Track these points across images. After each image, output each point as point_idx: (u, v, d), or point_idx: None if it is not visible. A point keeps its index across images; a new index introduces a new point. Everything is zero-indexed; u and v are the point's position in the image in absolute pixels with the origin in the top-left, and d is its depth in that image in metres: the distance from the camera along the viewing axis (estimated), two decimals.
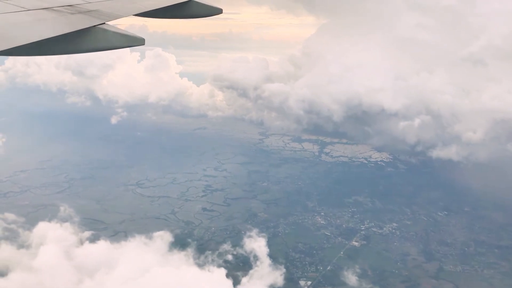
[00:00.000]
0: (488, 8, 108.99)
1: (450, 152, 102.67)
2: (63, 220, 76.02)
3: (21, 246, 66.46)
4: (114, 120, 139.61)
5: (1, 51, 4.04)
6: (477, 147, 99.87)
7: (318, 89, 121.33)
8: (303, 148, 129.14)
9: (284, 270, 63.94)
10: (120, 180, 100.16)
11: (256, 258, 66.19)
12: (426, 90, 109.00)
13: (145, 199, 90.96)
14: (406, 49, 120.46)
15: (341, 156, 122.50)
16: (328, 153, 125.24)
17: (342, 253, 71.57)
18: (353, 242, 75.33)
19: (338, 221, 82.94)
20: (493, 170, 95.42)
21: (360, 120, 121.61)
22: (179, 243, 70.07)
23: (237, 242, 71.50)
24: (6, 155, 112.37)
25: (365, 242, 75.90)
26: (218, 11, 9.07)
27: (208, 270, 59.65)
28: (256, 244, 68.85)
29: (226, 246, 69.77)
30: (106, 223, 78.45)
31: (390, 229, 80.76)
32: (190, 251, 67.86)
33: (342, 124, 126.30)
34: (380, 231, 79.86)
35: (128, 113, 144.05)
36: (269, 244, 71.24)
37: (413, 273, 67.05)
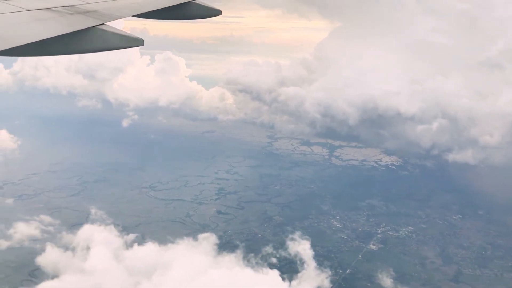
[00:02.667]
0: (504, 12, 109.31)
1: (466, 156, 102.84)
2: (95, 222, 76.70)
3: (66, 248, 66.83)
4: (125, 123, 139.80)
5: (1, 51, 4.03)
6: (494, 151, 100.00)
7: (333, 92, 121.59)
8: (313, 151, 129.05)
9: (330, 272, 64.03)
10: (133, 183, 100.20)
11: (302, 261, 66.36)
12: (442, 94, 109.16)
13: (160, 202, 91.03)
14: (421, 53, 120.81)
15: (351, 159, 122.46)
16: (338, 156, 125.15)
17: (360, 256, 71.62)
18: (371, 246, 75.36)
19: (353, 224, 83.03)
20: (509, 174, 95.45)
21: (375, 123, 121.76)
22: (221, 246, 70.54)
23: (279, 244, 71.70)
24: (18, 157, 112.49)
25: (382, 245, 75.93)
26: (217, 13, 9.03)
27: (262, 272, 59.76)
28: (301, 247, 68.98)
29: (269, 249, 69.93)
30: (123, 226, 78.37)
31: (406, 232, 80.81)
32: (238, 253, 68.23)
33: (355, 127, 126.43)
34: (396, 235, 79.92)
35: (139, 116, 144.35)
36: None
37: (432, 276, 67.12)
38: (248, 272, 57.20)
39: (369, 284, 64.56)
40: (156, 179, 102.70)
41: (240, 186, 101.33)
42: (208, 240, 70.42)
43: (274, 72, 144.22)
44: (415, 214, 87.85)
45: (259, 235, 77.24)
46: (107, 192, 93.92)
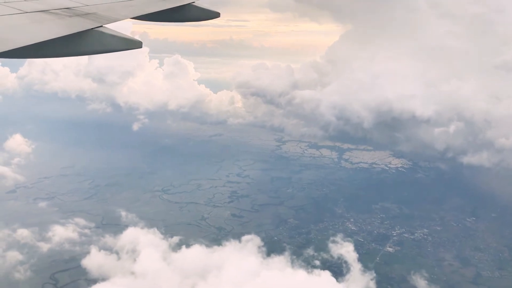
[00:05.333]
0: None
1: (481, 158, 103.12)
2: (129, 225, 77.85)
3: (108, 250, 67.15)
4: (135, 127, 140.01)
5: (0, 53, 4.06)
6: (510, 153, 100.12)
7: (348, 95, 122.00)
8: (322, 154, 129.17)
9: (374, 274, 64.08)
10: (145, 186, 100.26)
11: (346, 263, 66.56)
12: (458, 97, 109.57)
13: (173, 205, 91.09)
14: (436, 56, 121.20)
15: (361, 162, 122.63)
16: (347, 159, 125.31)
17: (378, 258, 71.69)
18: (387, 248, 75.46)
19: (368, 227, 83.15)
20: None
21: (390, 126, 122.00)
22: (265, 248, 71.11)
23: (321, 247, 72.16)
24: (30, 161, 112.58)
25: (399, 247, 76.04)
26: (216, 15, 9.01)
27: (314, 274, 59.83)
28: (344, 249, 69.17)
29: (310, 251, 70.12)
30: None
31: (422, 234, 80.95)
32: (286, 255, 68.61)
33: (369, 130, 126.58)
34: (412, 237, 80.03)
35: (149, 120, 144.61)
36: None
37: (451, 278, 67.21)
38: (301, 273, 57.24)
39: (388, 286, 64.57)
40: (168, 183, 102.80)
41: (252, 189, 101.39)
42: (252, 242, 70.64)
43: (287, 76, 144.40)
44: (429, 216, 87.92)
45: (275, 238, 77.27)
46: (120, 196, 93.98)
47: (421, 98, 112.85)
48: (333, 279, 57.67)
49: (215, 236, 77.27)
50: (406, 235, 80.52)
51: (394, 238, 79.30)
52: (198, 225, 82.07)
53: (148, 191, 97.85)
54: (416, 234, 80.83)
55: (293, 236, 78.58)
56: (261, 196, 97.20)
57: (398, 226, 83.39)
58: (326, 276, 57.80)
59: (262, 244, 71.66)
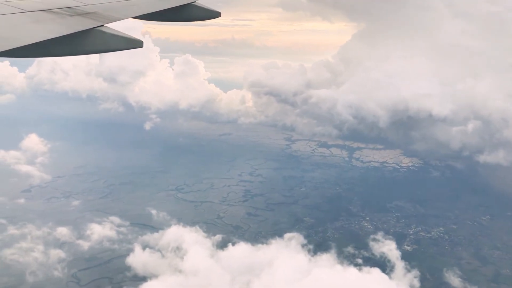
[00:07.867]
0: None
1: (498, 157, 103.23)
2: (161, 225, 78.73)
3: (152, 248, 67.58)
4: (147, 126, 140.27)
5: (0, 52, 4.05)
6: None
7: (363, 95, 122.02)
8: (332, 153, 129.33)
9: (419, 273, 64.21)
10: (159, 185, 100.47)
11: (389, 261, 66.80)
12: (475, 96, 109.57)
13: (189, 204, 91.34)
14: (451, 55, 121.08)
15: (372, 161, 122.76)
16: (358, 158, 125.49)
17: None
18: (405, 247, 75.51)
19: (385, 225, 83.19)
20: None
21: (405, 125, 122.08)
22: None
23: (362, 245, 72.80)
24: (44, 161, 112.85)
25: (416, 246, 76.15)
26: (217, 15, 8.97)
27: (364, 271, 60.09)
28: (386, 247, 69.39)
29: (350, 249, 70.40)
30: (157, 228, 78.64)
31: (438, 233, 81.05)
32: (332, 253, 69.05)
33: (383, 129, 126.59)
34: (429, 235, 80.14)
35: (161, 119, 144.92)
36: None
37: (471, 277, 67.16)
38: (352, 270, 57.48)
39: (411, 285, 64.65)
40: (182, 182, 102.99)
41: (265, 188, 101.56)
42: (295, 239, 71.06)
43: (300, 75, 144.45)
44: (444, 215, 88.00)
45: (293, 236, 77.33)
46: (135, 195, 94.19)
47: (437, 97, 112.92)
48: (385, 276, 57.86)
49: (232, 234, 77.47)
50: (422, 234, 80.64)
51: (411, 236, 79.42)
52: (215, 224, 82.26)
53: (162, 190, 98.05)
54: (432, 233, 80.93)
55: (311, 235, 78.72)
56: (275, 195, 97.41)
57: (414, 225, 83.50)
58: (377, 273, 57.92)
59: (305, 242, 71.95)
